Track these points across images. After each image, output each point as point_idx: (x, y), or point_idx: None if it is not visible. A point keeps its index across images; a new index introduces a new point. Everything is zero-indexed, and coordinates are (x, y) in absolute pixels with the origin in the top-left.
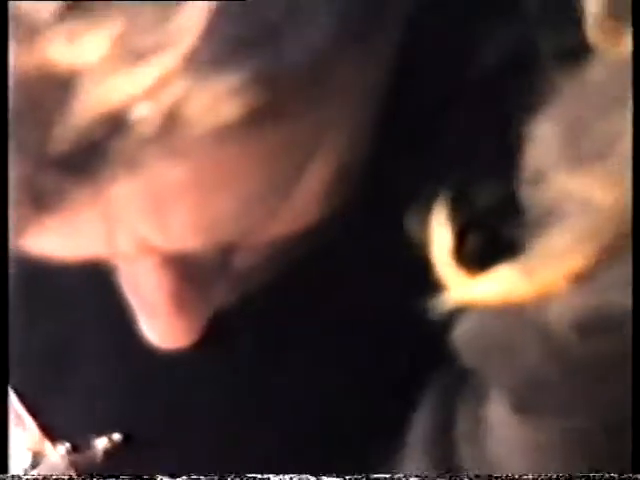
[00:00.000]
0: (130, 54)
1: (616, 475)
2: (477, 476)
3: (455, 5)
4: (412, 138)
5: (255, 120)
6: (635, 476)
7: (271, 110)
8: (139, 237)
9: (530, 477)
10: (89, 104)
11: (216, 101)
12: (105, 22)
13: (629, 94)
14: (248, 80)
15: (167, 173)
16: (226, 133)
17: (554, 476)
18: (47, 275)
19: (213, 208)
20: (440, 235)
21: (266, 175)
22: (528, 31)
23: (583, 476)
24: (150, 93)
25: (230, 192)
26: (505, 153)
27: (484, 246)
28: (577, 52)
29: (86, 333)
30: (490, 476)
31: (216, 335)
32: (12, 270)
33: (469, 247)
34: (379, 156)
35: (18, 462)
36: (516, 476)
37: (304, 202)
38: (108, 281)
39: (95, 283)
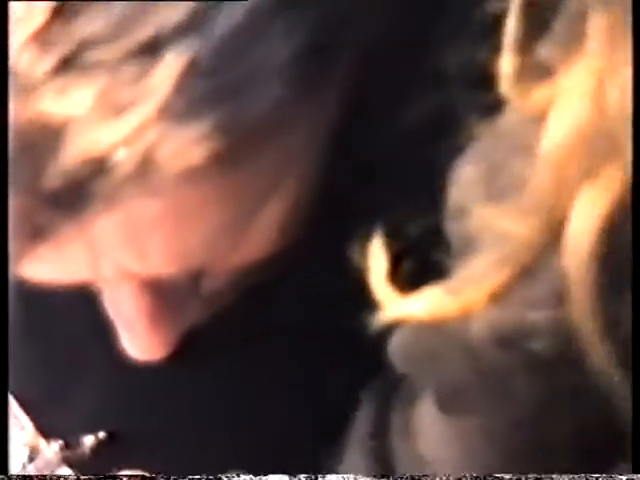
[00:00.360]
0: (112, 106)
1: (618, 475)
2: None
3: (389, 68)
4: (354, 180)
5: (219, 163)
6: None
7: (233, 154)
8: (120, 264)
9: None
10: (76, 149)
11: (185, 146)
12: (90, 79)
13: (538, 138)
14: (213, 128)
15: (143, 209)
16: (194, 174)
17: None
18: (43, 298)
19: (184, 239)
20: (377, 261)
21: (230, 211)
22: (451, 89)
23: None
24: (128, 140)
25: (198, 225)
26: (432, 192)
27: (415, 271)
28: (493, 105)
29: (76, 347)
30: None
31: (188, 349)
32: (13, 293)
33: (402, 271)
34: (327, 195)
35: (16, 457)
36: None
37: (263, 234)
38: (95, 303)
39: (83, 304)
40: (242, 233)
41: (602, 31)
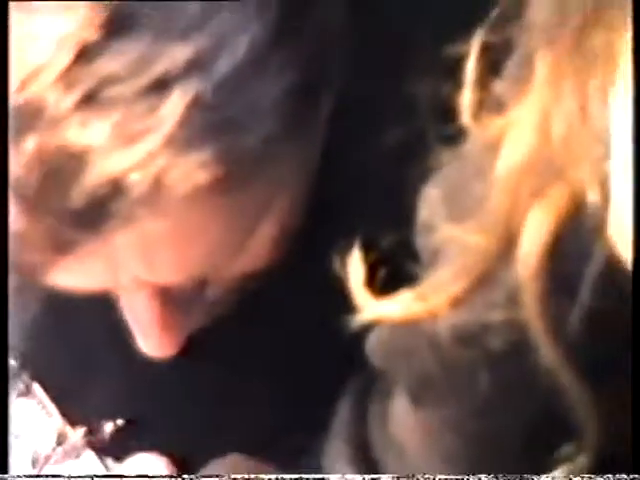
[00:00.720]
0: (126, 136)
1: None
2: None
3: (367, 101)
4: (336, 201)
5: (220, 186)
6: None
7: (232, 179)
8: (135, 274)
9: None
10: (96, 174)
11: (190, 171)
12: (108, 112)
13: (494, 164)
14: (214, 156)
15: (154, 225)
16: (198, 195)
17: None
18: (70, 304)
19: (190, 252)
20: (355, 270)
21: (229, 227)
22: (419, 120)
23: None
24: (141, 165)
25: (202, 240)
26: (403, 210)
27: (388, 278)
28: (455, 134)
29: (98, 346)
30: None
31: (193, 347)
32: (43, 300)
33: (377, 279)
34: (312, 213)
35: (46, 442)
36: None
37: (258, 248)
38: (114, 308)
39: (104, 309)
40: (240, 247)
41: (547, 69)
